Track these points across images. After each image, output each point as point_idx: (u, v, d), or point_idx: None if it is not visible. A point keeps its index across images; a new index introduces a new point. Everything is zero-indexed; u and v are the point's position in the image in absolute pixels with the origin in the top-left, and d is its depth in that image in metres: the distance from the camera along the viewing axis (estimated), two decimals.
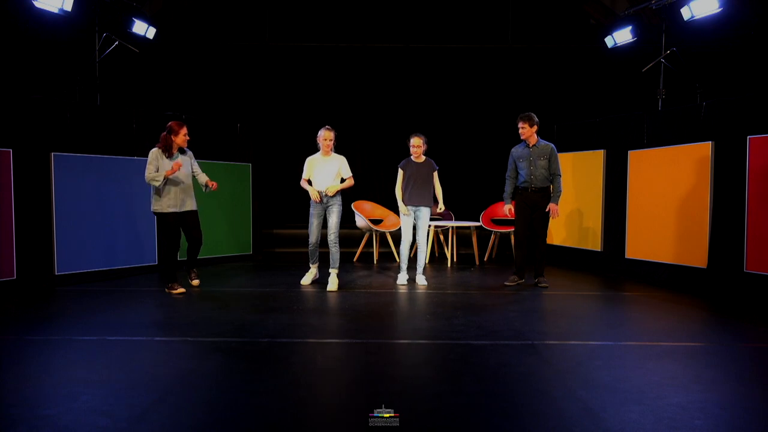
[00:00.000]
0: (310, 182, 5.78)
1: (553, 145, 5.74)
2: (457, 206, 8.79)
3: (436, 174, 5.98)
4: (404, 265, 6.04)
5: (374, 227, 7.79)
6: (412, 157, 5.98)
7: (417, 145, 5.89)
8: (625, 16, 7.89)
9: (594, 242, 7.11)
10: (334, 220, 5.68)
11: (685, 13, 6.76)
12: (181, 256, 6.11)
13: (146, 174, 5.29)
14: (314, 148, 5.87)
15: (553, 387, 3.01)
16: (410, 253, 6.04)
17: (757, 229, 5.17)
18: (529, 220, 5.85)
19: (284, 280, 6.24)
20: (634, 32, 7.76)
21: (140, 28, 7.57)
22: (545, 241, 5.90)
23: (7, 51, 7.02)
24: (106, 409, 2.66)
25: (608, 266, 6.89)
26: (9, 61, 7.03)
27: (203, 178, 5.66)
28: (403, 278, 6.02)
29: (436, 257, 8.34)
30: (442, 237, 8.31)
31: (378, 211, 8.35)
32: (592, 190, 7.09)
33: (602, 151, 6.96)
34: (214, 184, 5.58)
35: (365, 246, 8.18)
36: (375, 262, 7.81)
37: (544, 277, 5.95)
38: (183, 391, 2.93)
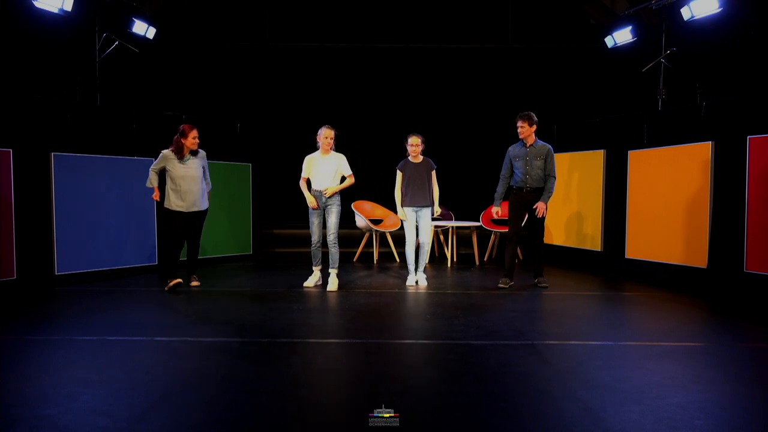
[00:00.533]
0: (309, 183, 5.77)
1: (550, 146, 5.72)
2: (457, 206, 8.80)
3: (434, 173, 5.96)
4: (411, 267, 6.03)
5: (374, 227, 7.79)
6: (409, 157, 5.97)
7: (416, 144, 5.87)
8: (625, 16, 7.89)
9: (594, 242, 7.11)
10: (333, 219, 5.68)
11: (685, 13, 6.76)
12: (182, 256, 6.14)
13: (151, 167, 5.59)
14: (314, 148, 5.86)
15: (553, 387, 3.01)
16: (416, 253, 6.02)
17: (757, 229, 5.16)
18: (522, 221, 5.83)
19: (284, 280, 6.24)
20: (634, 32, 7.76)
21: (140, 28, 7.57)
22: (542, 241, 5.90)
23: (7, 51, 7.02)
24: (106, 409, 2.66)
25: (608, 266, 6.89)
26: (9, 61, 7.04)
27: (207, 188, 5.82)
28: (411, 279, 6.01)
29: (436, 257, 8.34)
30: (442, 237, 8.31)
31: (378, 211, 8.35)
32: (592, 190, 7.09)
33: (602, 151, 6.96)
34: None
35: (365, 246, 8.18)
36: (375, 262, 7.81)
37: (544, 276, 5.94)
38: (183, 391, 2.93)
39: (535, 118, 5.70)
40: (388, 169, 9.48)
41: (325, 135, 5.66)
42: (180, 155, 5.51)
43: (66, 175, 5.83)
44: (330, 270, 5.75)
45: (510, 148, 5.90)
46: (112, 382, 3.04)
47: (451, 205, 8.66)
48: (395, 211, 6.18)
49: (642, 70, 7.52)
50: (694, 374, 3.24)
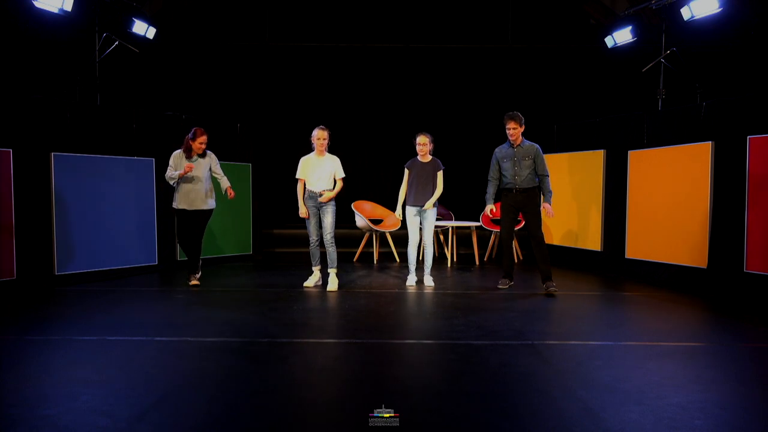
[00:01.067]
0: (304, 185, 5.73)
1: (537, 146, 5.59)
2: (457, 206, 8.79)
3: (440, 174, 5.89)
4: (412, 267, 6.02)
5: (374, 227, 7.78)
6: (418, 156, 5.96)
7: (423, 143, 5.86)
8: (625, 16, 7.89)
9: (594, 242, 7.11)
10: (329, 220, 5.67)
11: (685, 13, 6.76)
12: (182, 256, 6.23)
13: (166, 173, 5.76)
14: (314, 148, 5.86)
15: (553, 387, 3.01)
16: (418, 254, 6.01)
17: (757, 229, 5.16)
18: (514, 222, 5.79)
19: (284, 280, 6.24)
20: (634, 32, 7.75)
21: (140, 28, 7.57)
22: (543, 241, 5.59)
23: (7, 51, 7.02)
24: (106, 409, 2.66)
25: (608, 266, 6.89)
26: (9, 61, 7.04)
27: (225, 183, 5.94)
28: (412, 280, 6.00)
29: (436, 257, 8.34)
30: (442, 237, 8.31)
31: (378, 211, 8.35)
32: (592, 190, 7.09)
33: (602, 151, 6.96)
34: (232, 193, 5.90)
35: (365, 246, 8.18)
36: (375, 262, 7.81)
37: (553, 281, 5.54)
38: (183, 391, 2.93)
39: (523, 118, 5.60)
40: (388, 169, 9.50)
41: (318, 136, 5.64)
42: (188, 155, 5.72)
43: (66, 175, 5.83)
44: (329, 270, 5.75)
45: (497, 150, 5.76)
46: (112, 382, 3.04)
47: (451, 205, 8.65)
48: (395, 211, 6.17)
49: (642, 70, 7.52)
50: (694, 374, 3.24)
